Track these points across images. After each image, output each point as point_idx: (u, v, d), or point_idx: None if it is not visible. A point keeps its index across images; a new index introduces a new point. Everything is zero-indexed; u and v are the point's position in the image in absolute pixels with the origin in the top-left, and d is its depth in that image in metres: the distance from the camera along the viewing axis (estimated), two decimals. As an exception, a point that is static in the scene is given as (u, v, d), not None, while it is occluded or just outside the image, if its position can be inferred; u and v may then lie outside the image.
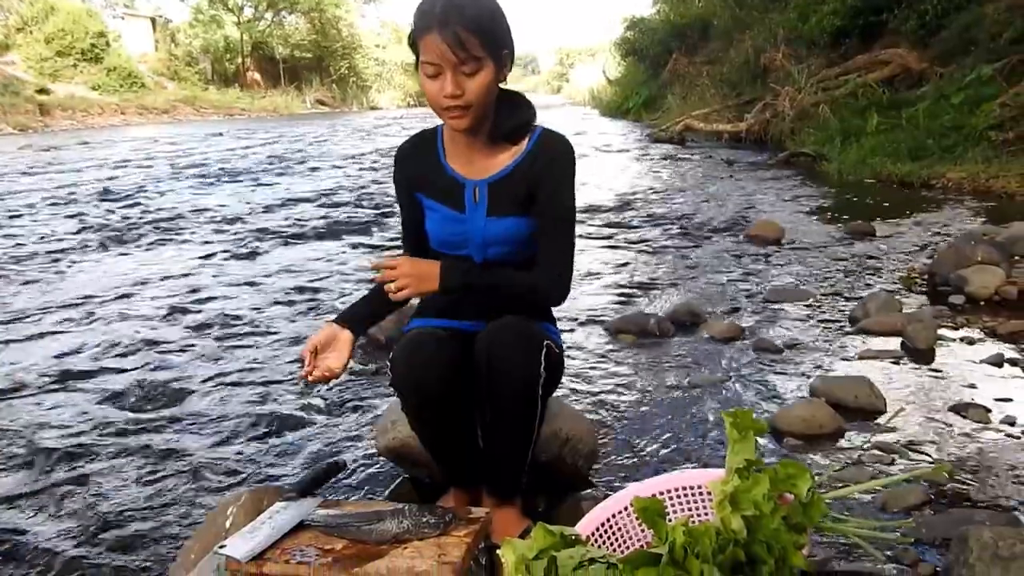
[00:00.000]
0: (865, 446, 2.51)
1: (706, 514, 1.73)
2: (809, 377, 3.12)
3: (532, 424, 1.86)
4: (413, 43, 1.73)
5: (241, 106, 38.36)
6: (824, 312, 4.01)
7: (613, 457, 2.47)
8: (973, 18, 12.29)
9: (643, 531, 1.72)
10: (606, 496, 2.08)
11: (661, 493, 1.74)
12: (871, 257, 5.19)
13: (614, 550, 1.73)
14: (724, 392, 3.00)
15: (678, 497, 1.76)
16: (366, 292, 1.99)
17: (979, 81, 10.32)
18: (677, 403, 2.91)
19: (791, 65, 14.75)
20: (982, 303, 3.99)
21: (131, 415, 2.98)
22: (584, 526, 1.70)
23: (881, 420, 2.71)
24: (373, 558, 1.59)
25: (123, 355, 3.66)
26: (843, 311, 3.99)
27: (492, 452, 1.89)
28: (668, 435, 2.65)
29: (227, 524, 1.95)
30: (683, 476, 1.78)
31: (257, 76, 45.13)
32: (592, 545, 1.66)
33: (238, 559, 1.58)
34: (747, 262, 5.19)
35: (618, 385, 3.12)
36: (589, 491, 2.15)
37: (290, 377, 3.32)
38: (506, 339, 1.78)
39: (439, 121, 1.86)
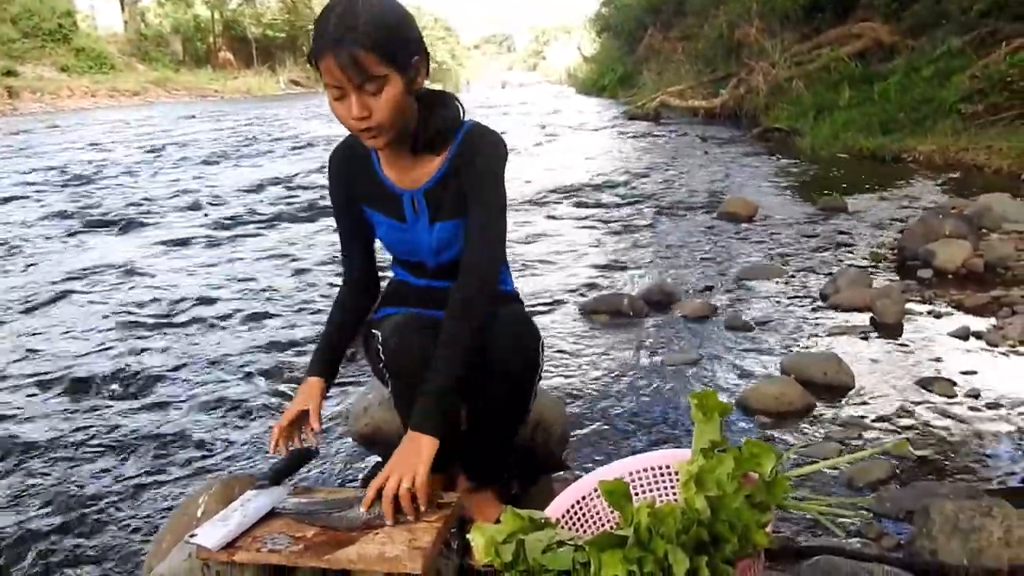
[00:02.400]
0: (834, 422, 2.55)
1: (674, 494, 1.76)
2: (780, 354, 3.16)
3: (524, 415, 1.88)
4: (315, 65, 1.62)
5: (214, 87, 37.85)
6: (796, 289, 4.04)
7: (586, 439, 2.49)
8: (944, -10, 12.35)
9: (612, 513, 1.74)
10: (577, 479, 2.11)
11: (629, 474, 1.77)
12: (842, 232, 5.24)
13: (584, 532, 1.75)
14: (696, 371, 3.03)
15: (646, 478, 1.78)
16: (324, 328, 1.95)
17: (949, 54, 10.40)
18: (649, 384, 2.94)
19: (765, 40, 14.77)
20: (949, 276, 4.05)
21: (101, 402, 2.96)
22: (554, 509, 1.72)
23: (849, 396, 2.75)
24: (344, 545, 1.60)
25: (93, 341, 3.63)
26: (814, 287, 4.03)
27: (478, 438, 1.89)
28: (640, 416, 2.67)
29: (199, 512, 1.95)
30: (650, 457, 1.80)
31: (229, 56, 44.54)
32: (562, 528, 1.68)
33: (209, 547, 1.58)
34: (720, 240, 5.22)
35: (591, 366, 3.14)
36: (561, 473, 2.17)
37: (261, 364, 3.30)
38: (505, 332, 1.77)
39: None
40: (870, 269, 4.28)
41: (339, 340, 1.93)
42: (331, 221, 6.31)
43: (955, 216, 4.46)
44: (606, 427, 2.59)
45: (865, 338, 3.29)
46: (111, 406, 2.94)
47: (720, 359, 3.15)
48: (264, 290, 4.45)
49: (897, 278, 4.14)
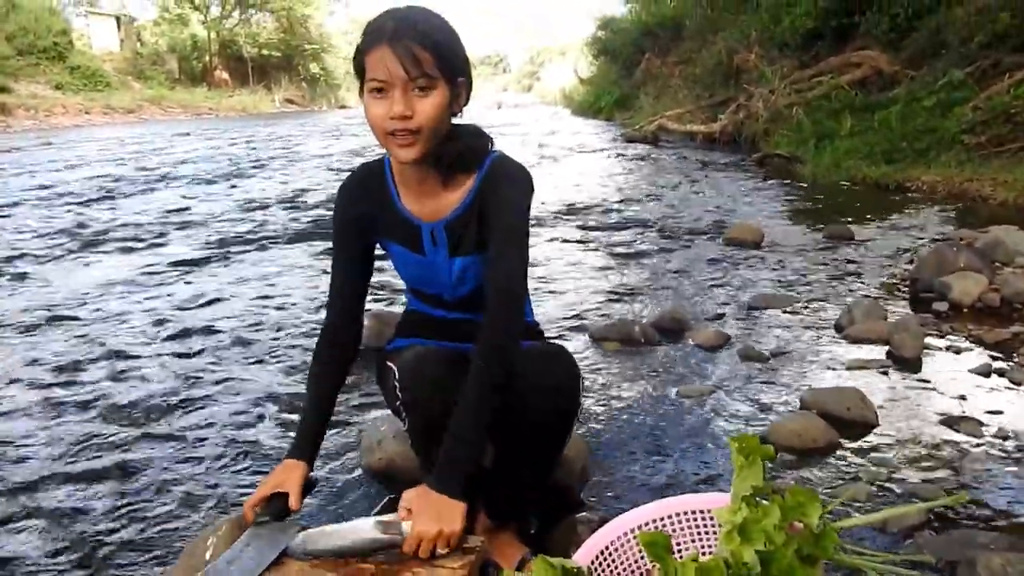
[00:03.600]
0: (860, 462, 2.46)
1: (710, 540, 1.67)
2: (797, 387, 3.08)
3: (559, 456, 1.80)
4: (359, 62, 1.58)
5: (209, 105, 37.79)
6: (808, 319, 3.97)
7: (605, 475, 2.39)
8: (943, 21, 12.41)
9: (643, 559, 1.64)
10: (602, 520, 2.01)
11: (662, 518, 1.68)
12: (851, 261, 5.18)
13: (614, 579, 1.65)
14: (713, 404, 2.94)
15: (679, 523, 1.69)
16: (305, 402, 1.85)
17: (951, 85, 10.41)
18: (667, 416, 2.84)
19: (764, 66, 14.81)
20: (965, 310, 3.98)
21: (98, 432, 2.84)
22: (583, 555, 1.62)
23: (874, 434, 2.66)
24: (362, 590, 1.51)
25: (89, 369, 3.51)
26: (827, 318, 3.96)
27: (506, 477, 1.80)
28: (659, 450, 2.58)
29: (207, 556, 1.84)
30: (685, 501, 1.71)
31: (225, 75, 44.54)
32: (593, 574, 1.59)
33: None
34: (728, 266, 5.15)
35: (605, 396, 3.04)
36: (584, 514, 2.07)
37: (270, 394, 3.19)
38: (542, 371, 1.69)
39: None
40: (883, 300, 4.20)
41: (320, 415, 1.82)
42: (329, 243, 6.26)
43: (969, 249, 4.40)
44: (624, 463, 2.49)
45: (885, 373, 3.20)
46: (109, 436, 2.81)
47: (737, 391, 3.06)
48: (267, 314, 4.34)
49: (911, 311, 4.06)
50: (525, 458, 1.77)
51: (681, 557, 1.51)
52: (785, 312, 4.08)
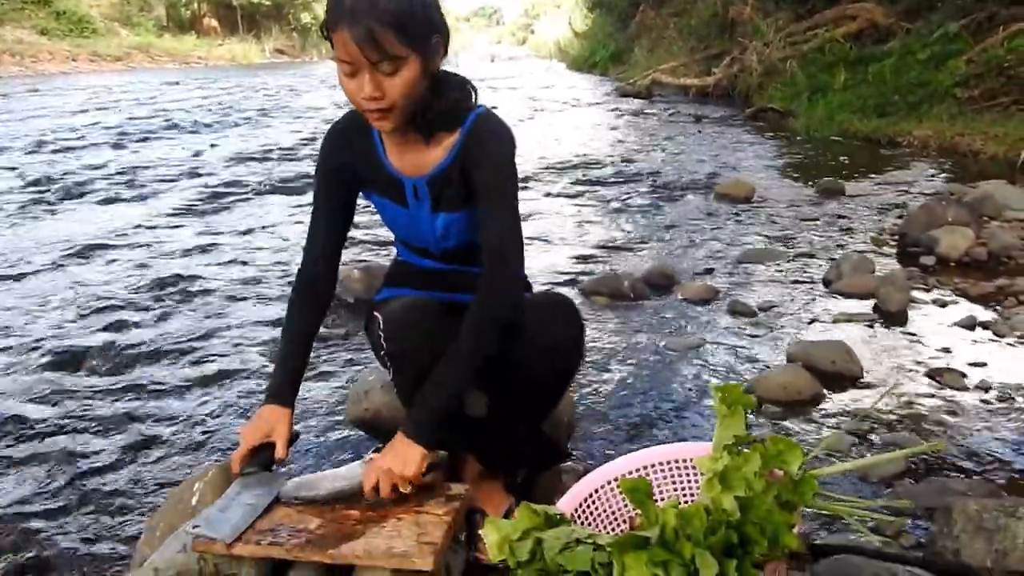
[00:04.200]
0: (844, 413, 2.50)
1: (692, 489, 1.70)
2: (784, 341, 3.11)
3: (555, 408, 1.82)
4: (326, 36, 1.52)
5: (198, 54, 37.17)
6: (797, 273, 3.99)
7: (591, 427, 2.43)
8: (941, -27, 12.26)
9: (626, 507, 1.68)
10: (587, 469, 2.05)
11: (644, 468, 1.71)
12: (841, 216, 5.19)
13: (597, 526, 1.69)
14: (701, 357, 2.97)
15: (662, 472, 1.72)
16: (280, 346, 1.82)
17: (946, 38, 10.32)
18: (653, 369, 2.87)
19: (759, 19, 14.65)
20: (952, 264, 4.00)
21: (86, 381, 2.87)
22: (567, 502, 1.65)
23: (858, 386, 2.69)
24: (349, 538, 1.53)
25: (77, 318, 3.52)
26: (816, 273, 3.98)
27: (499, 427, 1.81)
28: (645, 402, 2.61)
29: (194, 501, 1.87)
30: (667, 450, 1.74)
31: (214, 23, 43.75)
32: (576, 522, 1.62)
33: (222, 539, 1.50)
34: (719, 221, 5.15)
35: (593, 350, 3.06)
36: (569, 463, 2.10)
37: (256, 341, 3.21)
38: (546, 320, 1.69)
39: None
40: (871, 255, 4.22)
41: (298, 360, 1.80)
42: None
43: (957, 203, 4.41)
44: (610, 414, 2.52)
45: (871, 326, 3.23)
46: (97, 384, 2.84)
47: (724, 344, 3.09)
48: (256, 264, 4.34)
49: (899, 265, 4.09)
50: (520, 411, 1.79)
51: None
52: (774, 267, 4.10)
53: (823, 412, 2.51)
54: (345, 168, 1.79)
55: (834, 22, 13.20)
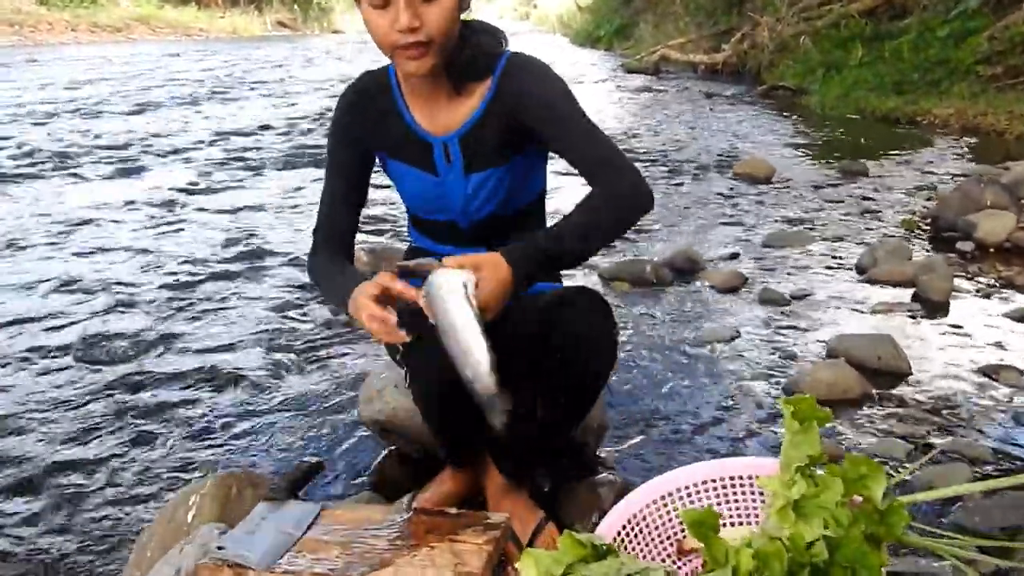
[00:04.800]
0: (896, 415, 2.30)
1: (748, 510, 1.50)
2: (822, 332, 2.91)
3: (585, 414, 1.62)
4: None
5: (199, 26, 36.62)
6: (827, 259, 3.78)
7: (622, 429, 2.23)
8: (959, -53, 11.94)
9: (673, 528, 1.49)
10: (624, 482, 1.86)
11: (695, 484, 1.51)
12: (867, 198, 4.96)
13: (642, 552, 1.49)
14: (734, 350, 2.77)
15: (715, 490, 1.53)
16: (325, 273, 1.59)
17: (965, 14, 10.04)
18: (686, 364, 2.67)
19: (771, -7, 14.32)
20: (992, 250, 3.79)
21: (74, 373, 2.67)
22: (609, 526, 1.46)
23: (907, 383, 2.50)
24: (377, 568, 1.34)
25: (68, 301, 3.33)
26: (848, 258, 3.77)
27: (526, 435, 1.61)
28: (679, 402, 2.41)
29: (189, 517, 1.68)
30: (720, 466, 1.54)
31: (216, -6, 43.19)
32: (619, 548, 1.43)
33: (254, 566, 1.32)
34: (739, 202, 4.93)
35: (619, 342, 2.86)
36: (604, 475, 1.90)
37: (257, 332, 3.01)
38: (577, 317, 1.51)
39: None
40: (904, 240, 4.01)
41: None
42: (319, 171, 6.02)
43: (995, 185, 4.18)
44: (642, 416, 2.32)
45: (913, 318, 3.03)
46: (86, 378, 2.64)
47: (758, 337, 2.89)
48: (259, 246, 4.12)
49: (934, 251, 3.87)
50: (550, 412, 1.59)
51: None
52: (802, 251, 3.89)
53: (873, 413, 2.31)
54: (365, 134, 1.61)
55: (848, -3, 12.91)
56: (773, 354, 2.74)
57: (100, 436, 2.26)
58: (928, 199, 4.91)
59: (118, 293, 3.41)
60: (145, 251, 3.98)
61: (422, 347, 1.46)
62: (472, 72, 1.51)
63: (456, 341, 1.26)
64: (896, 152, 6.59)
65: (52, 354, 2.82)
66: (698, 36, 15.96)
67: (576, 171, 1.52)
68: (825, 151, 6.75)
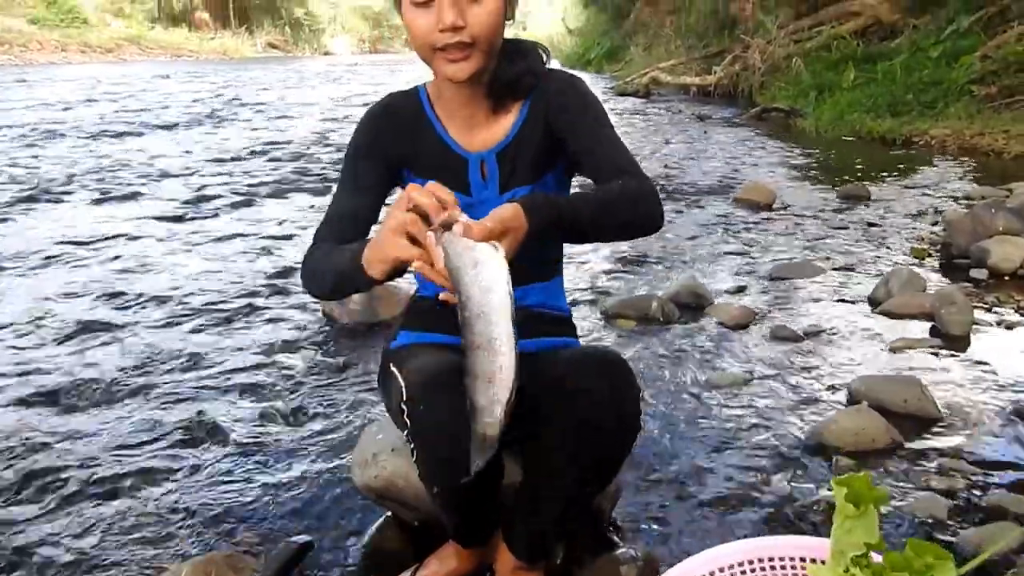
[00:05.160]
0: (929, 466, 2.14)
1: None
2: (840, 372, 2.76)
3: (606, 487, 1.47)
4: None
5: (189, 47, 36.67)
6: (838, 290, 3.64)
7: (639, 492, 2.06)
8: (947, -33, 11.96)
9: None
10: (648, 559, 1.70)
11: (731, 567, 1.35)
12: (872, 224, 4.84)
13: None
14: (749, 395, 2.61)
15: (758, 571, 1.37)
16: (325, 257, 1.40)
17: (957, 33, 10.03)
18: (699, 412, 2.51)
19: (761, 16, 14.33)
20: (1007, 278, 3.67)
21: (40, 424, 2.46)
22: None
23: (937, 430, 2.35)
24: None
25: (33, 342, 3.14)
26: (859, 289, 3.63)
27: (538, 511, 1.46)
28: (697, 456, 2.24)
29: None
30: (766, 545, 1.37)
31: (206, 16, 43.21)
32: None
33: None
34: (742, 230, 4.80)
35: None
36: (625, 550, 1.74)
37: (241, 379, 2.82)
38: (595, 376, 1.34)
39: (413, 80, 1.45)
40: (914, 267, 3.88)
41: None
42: (317, 199, 5.86)
43: (1006, 210, 4.06)
44: (658, 473, 2.15)
45: (935, 354, 2.88)
46: (53, 430, 2.43)
47: (773, 379, 2.74)
48: (247, 281, 3.93)
49: (947, 279, 3.75)
50: (565, 483, 1.42)
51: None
52: (812, 283, 3.75)
53: (904, 464, 2.16)
54: (390, 146, 1.50)
55: (838, 19, 12.90)
56: (791, 398, 2.58)
57: (54, 511, 2.05)
58: (934, 223, 4.80)
59: (90, 335, 3.21)
60: (120, 293, 3.77)
61: (427, 399, 1.33)
62: (516, 92, 1.46)
63: (486, 351, 1.07)
64: (895, 174, 6.50)
65: (12, 403, 2.64)
66: (688, 58, 15.95)
67: (595, 180, 1.44)
68: (824, 174, 6.65)
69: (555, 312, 1.66)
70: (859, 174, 6.54)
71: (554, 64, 1.57)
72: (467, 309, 1.06)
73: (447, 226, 1.08)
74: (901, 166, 6.91)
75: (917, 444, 2.26)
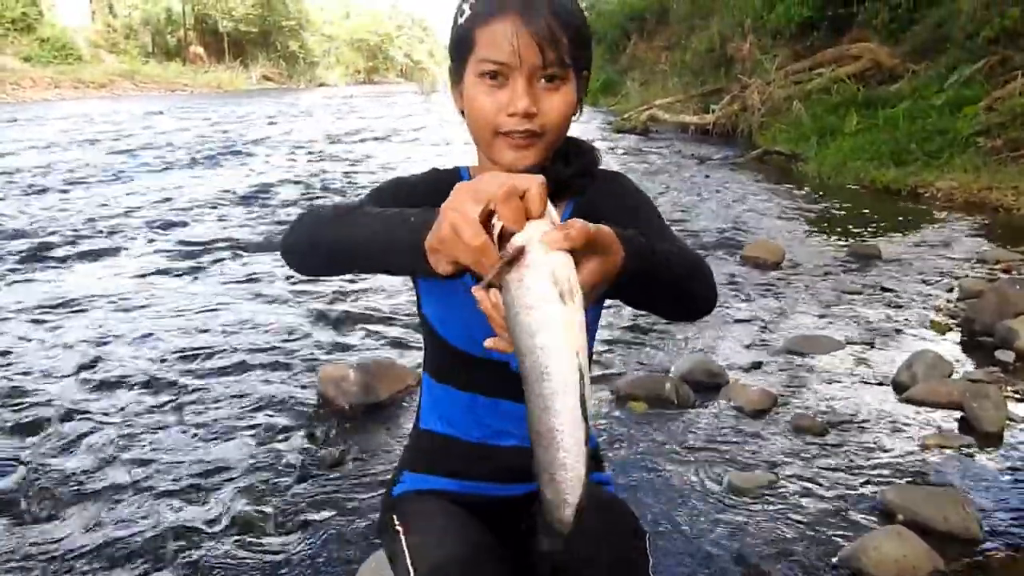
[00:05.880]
0: (980, 603, 1.97)
1: None
2: (869, 476, 2.58)
3: None
4: (464, 35, 1.17)
5: (183, 81, 36.77)
6: (859, 369, 3.47)
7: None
8: (947, 13, 11.96)
9: None
10: None
11: None
12: (886, 289, 4.69)
13: None
14: (775, 503, 2.42)
15: None
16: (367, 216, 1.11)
17: (960, 82, 9.97)
18: (721, 520, 2.33)
19: (759, 55, 14.31)
20: (1035, 361, 3.51)
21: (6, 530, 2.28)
22: None
23: (980, 554, 2.17)
24: None
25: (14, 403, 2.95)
26: (881, 368, 3.47)
27: None
28: (716, 567, 2.07)
29: None
30: None
31: (200, 50, 43.41)
32: None
33: None
34: (752, 293, 4.64)
35: (641, 487, 2.52)
36: None
37: (224, 475, 2.63)
38: (605, 530, 1.16)
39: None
40: (935, 343, 3.73)
41: None
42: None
43: (1029, 285, 3.92)
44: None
45: (969, 456, 2.71)
46: (21, 538, 2.25)
47: (798, 481, 2.55)
48: (230, 351, 3.72)
49: (970, 359, 3.59)
50: None
51: None
52: (829, 360, 3.59)
53: (951, 600, 1.98)
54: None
55: (836, 61, 12.88)
56: (820, 507, 2.40)
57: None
58: (949, 290, 4.65)
59: (78, 409, 3.02)
60: (97, 361, 3.55)
61: (429, 524, 1.20)
62: (567, 193, 1.30)
63: (546, 443, 0.82)
64: (905, 230, 6.39)
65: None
66: (686, 96, 15.92)
67: None
68: (832, 228, 6.51)
69: None
70: (868, 229, 6.43)
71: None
72: (526, 378, 0.82)
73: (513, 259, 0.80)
74: (909, 219, 6.80)
75: (960, 572, 2.08)
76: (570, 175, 1.29)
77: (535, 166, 1.19)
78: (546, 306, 0.79)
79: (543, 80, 1.15)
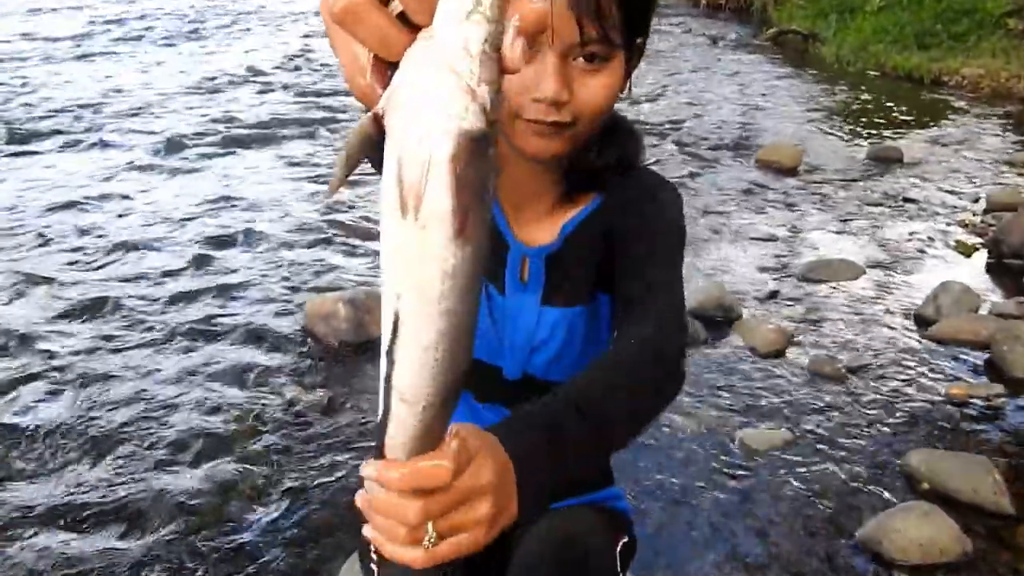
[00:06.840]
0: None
1: None
2: (893, 431, 2.44)
3: None
4: None
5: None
6: (880, 299, 3.29)
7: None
8: None
9: None
10: None
11: None
12: (908, 200, 4.44)
13: None
14: (790, 465, 2.29)
15: None
16: None
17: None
18: (729, 491, 2.19)
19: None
20: (1066, 288, 3.32)
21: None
22: None
23: (1009, 531, 2.04)
24: None
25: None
26: (903, 298, 3.29)
27: None
28: (729, 539, 1.95)
29: None
30: None
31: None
32: None
33: None
34: (765, 205, 4.39)
35: (643, 451, 2.37)
36: None
37: (200, 425, 2.47)
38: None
39: None
40: (959, 266, 3.54)
41: None
42: (309, 144, 5.29)
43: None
44: (685, 557, 1.85)
45: (999, 407, 2.55)
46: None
47: (817, 440, 2.41)
48: (216, 277, 3.47)
49: (999, 290, 3.39)
50: None
51: None
52: (848, 289, 3.39)
53: (978, 587, 1.86)
54: None
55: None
56: (837, 471, 2.26)
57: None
58: (975, 200, 4.41)
59: (66, 296, 2.84)
60: (107, 248, 3.35)
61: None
62: (595, 185, 1.08)
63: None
64: (927, 126, 6.07)
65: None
66: (698, -35, 15.04)
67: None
68: (851, 123, 6.19)
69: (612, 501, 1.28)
70: (888, 123, 6.11)
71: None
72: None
73: None
74: (932, 114, 6.46)
75: (990, 553, 1.96)
76: (602, 165, 1.05)
77: (564, 156, 0.99)
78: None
79: (582, 59, 0.93)
